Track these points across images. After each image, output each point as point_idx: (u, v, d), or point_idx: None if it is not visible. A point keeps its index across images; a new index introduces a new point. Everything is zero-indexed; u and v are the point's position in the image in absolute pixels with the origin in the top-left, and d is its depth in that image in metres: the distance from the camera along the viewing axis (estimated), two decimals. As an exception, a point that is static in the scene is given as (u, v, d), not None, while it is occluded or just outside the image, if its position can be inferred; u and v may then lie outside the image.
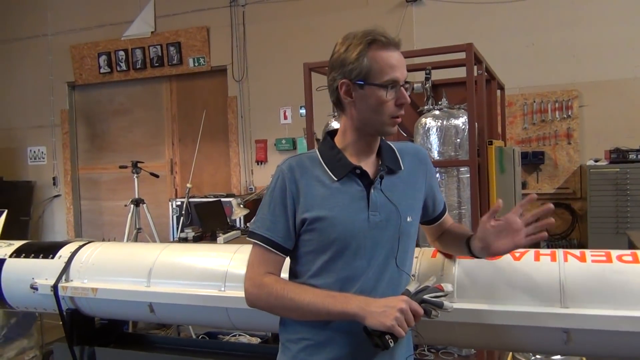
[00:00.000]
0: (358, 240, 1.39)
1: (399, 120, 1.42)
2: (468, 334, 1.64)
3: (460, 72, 3.41)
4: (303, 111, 6.52)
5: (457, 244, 1.59)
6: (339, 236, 1.39)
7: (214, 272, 1.96)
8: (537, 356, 2.55)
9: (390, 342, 1.26)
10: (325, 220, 1.39)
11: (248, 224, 5.16)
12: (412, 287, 1.36)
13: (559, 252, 1.62)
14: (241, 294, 1.84)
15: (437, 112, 3.22)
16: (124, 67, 7.11)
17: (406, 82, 1.42)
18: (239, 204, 5.28)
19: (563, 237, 5.72)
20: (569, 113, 5.64)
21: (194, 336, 4.14)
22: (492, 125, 3.88)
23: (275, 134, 6.64)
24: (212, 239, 4.49)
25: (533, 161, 5.68)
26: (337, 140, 1.49)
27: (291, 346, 1.46)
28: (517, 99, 5.72)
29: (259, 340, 4.17)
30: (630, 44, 5.39)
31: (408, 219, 1.47)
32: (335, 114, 3.56)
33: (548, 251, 1.64)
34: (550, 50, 5.63)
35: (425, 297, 1.34)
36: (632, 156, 5.12)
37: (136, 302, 2.04)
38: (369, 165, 1.46)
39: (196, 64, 6.85)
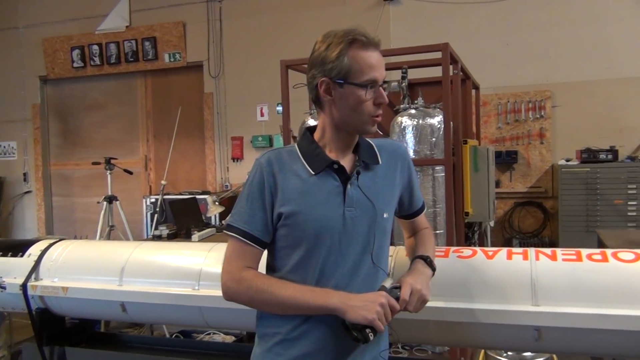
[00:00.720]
0: (333, 235, 1.40)
1: (379, 119, 1.43)
2: (442, 332, 1.65)
3: (436, 72, 3.43)
4: (280, 108, 6.51)
5: (410, 259, 1.59)
6: (314, 231, 1.39)
7: (188, 270, 1.94)
8: (509, 353, 2.58)
9: (370, 335, 1.28)
10: (300, 215, 1.39)
11: (223, 222, 5.12)
12: (388, 284, 1.38)
13: (531, 251, 1.64)
14: (216, 292, 1.85)
15: (413, 111, 3.24)
16: (97, 62, 6.99)
17: (385, 82, 1.42)
18: (214, 201, 5.23)
19: (535, 235, 5.82)
20: (542, 113, 5.73)
21: (167, 335, 4.11)
22: (467, 125, 3.92)
23: (251, 131, 6.61)
24: (187, 236, 4.45)
25: (507, 160, 5.76)
26: (316, 136, 1.50)
27: (267, 339, 1.47)
28: (492, 99, 5.79)
29: (233, 339, 4.15)
30: (601, 45, 5.50)
31: (384, 215, 1.48)
32: (312, 111, 3.56)
33: (520, 250, 1.66)
34: (524, 51, 5.71)
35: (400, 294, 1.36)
36: (602, 156, 5.23)
37: (108, 301, 2.01)
38: (346, 160, 1.47)
39: (172, 60, 6.77)
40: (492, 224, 4.32)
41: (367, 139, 1.55)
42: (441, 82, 3.25)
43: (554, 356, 2.64)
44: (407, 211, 1.64)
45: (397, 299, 1.35)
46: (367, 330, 1.28)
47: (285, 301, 1.36)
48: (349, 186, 1.42)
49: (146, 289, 1.94)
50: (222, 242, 2.02)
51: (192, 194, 5.78)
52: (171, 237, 4.45)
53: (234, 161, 6.73)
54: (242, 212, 1.43)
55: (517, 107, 5.78)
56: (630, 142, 5.48)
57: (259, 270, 1.46)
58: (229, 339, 4.14)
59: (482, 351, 2.72)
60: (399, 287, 1.38)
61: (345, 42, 1.37)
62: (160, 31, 6.74)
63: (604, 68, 5.52)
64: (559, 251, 1.62)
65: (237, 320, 1.92)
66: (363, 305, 1.30)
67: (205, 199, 5.25)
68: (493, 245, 5.19)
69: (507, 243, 5.85)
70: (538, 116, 5.74)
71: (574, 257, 1.58)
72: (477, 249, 1.70)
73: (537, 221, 5.85)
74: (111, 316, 2.20)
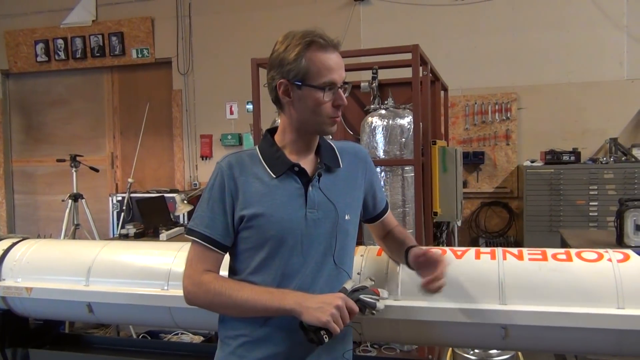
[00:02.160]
0: (295, 237, 1.41)
1: (338, 120, 1.44)
2: (411, 331, 1.67)
3: (405, 73, 3.47)
4: (250, 106, 6.49)
5: (398, 252, 1.62)
6: (276, 233, 1.40)
7: (157, 270, 1.91)
8: (476, 350, 2.63)
9: (325, 337, 1.28)
10: (262, 217, 1.40)
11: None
12: (349, 286, 1.38)
13: (498, 251, 1.67)
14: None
15: (383, 112, 3.26)
16: (62, 56, 6.83)
17: (345, 83, 1.42)
18: (182, 200, 5.18)
19: (500, 235, 5.93)
20: (508, 115, 5.84)
21: (134, 335, 4.04)
22: (436, 126, 3.98)
23: (221, 129, 6.56)
24: (155, 235, 4.39)
25: (473, 161, 5.85)
26: (277, 138, 1.50)
27: (230, 342, 1.47)
28: (459, 100, 5.87)
29: (202, 339, 4.11)
30: (565, 50, 5.64)
31: (346, 217, 1.48)
32: (283, 110, 3.55)
33: (488, 250, 1.70)
34: (491, 54, 5.82)
35: (361, 296, 1.36)
36: (566, 158, 5.37)
37: (74, 301, 1.97)
38: (307, 163, 1.48)
39: (139, 56, 6.67)
40: (459, 223, 4.39)
41: (329, 141, 1.56)
42: (411, 83, 3.29)
43: (519, 354, 2.69)
44: (372, 213, 1.65)
45: (357, 301, 1.34)
46: (322, 332, 1.27)
47: (242, 304, 1.36)
48: (310, 188, 1.43)
49: (114, 289, 1.91)
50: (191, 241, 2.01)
51: (160, 193, 5.71)
52: (139, 236, 4.38)
53: (202, 159, 6.66)
54: (203, 216, 1.44)
55: (484, 109, 5.88)
56: (592, 145, 5.64)
57: (222, 273, 1.46)
58: (198, 339, 4.09)
59: (450, 349, 2.76)
60: (360, 289, 1.38)
61: (303, 44, 1.37)
62: (127, 26, 6.63)
63: (568, 72, 5.66)
64: (525, 251, 1.66)
65: (207, 321, 1.89)
66: (318, 307, 1.29)
67: (173, 198, 5.20)
68: (460, 244, 5.27)
69: (474, 242, 5.95)
70: (504, 118, 5.86)
71: (539, 256, 1.62)
72: (447, 248, 1.72)
73: (502, 221, 5.97)
74: (77, 317, 2.15)
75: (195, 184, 6.62)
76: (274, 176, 1.43)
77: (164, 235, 4.32)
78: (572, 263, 1.58)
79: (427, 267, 1.46)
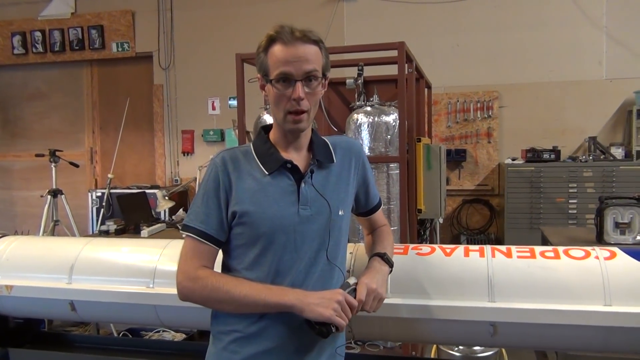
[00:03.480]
0: (287, 233, 1.40)
1: (299, 117, 1.39)
2: (401, 329, 1.67)
3: (389, 70, 3.47)
4: (232, 102, 6.44)
5: (368, 255, 1.61)
6: (268, 230, 1.40)
7: (142, 268, 1.88)
8: (460, 347, 2.65)
9: (333, 328, 1.31)
10: (254, 214, 1.40)
11: (174, 217, 5.02)
12: (351, 281, 1.40)
13: (487, 248, 1.68)
14: (171, 290, 1.80)
15: (368, 109, 3.26)
16: (40, 49, 6.70)
17: (312, 77, 1.39)
18: (164, 196, 5.12)
19: (482, 232, 5.99)
20: (490, 113, 5.89)
21: (115, 333, 3.98)
22: (420, 123, 3.99)
23: (202, 124, 6.51)
24: (136, 232, 4.33)
25: (455, 158, 5.89)
26: (271, 134, 1.51)
27: (222, 337, 1.46)
28: (442, 98, 5.90)
29: (184, 336, 4.08)
30: (547, 49, 5.70)
31: (339, 213, 1.48)
32: (267, 106, 3.52)
33: (476, 247, 1.70)
34: (474, 52, 5.86)
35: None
36: (546, 156, 5.43)
37: (56, 300, 1.92)
38: (300, 159, 1.47)
39: (120, 49, 6.57)
40: (441, 220, 4.42)
41: (322, 137, 1.56)
42: (395, 80, 3.29)
43: (503, 350, 2.72)
44: (364, 208, 1.65)
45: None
46: (331, 326, 1.30)
47: (240, 299, 1.36)
48: (302, 185, 1.43)
49: (97, 287, 1.87)
50: (174, 238, 1.99)
51: (141, 188, 5.64)
52: (119, 233, 4.31)
53: (184, 155, 6.60)
54: (198, 212, 1.44)
55: (467, 107, 5.93)
56: (571, 143, 5.72)
57: (215, 269, 1.45)
58: (180, 336, 4.05)
59: (435, 346, 2.77)
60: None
61: (267, 38, 1.40)
62: (107, 19, 6.52)
63: (549, 71, 5.73)
64: (513, 248, 1.67)
65: (193, 319, 1.88)
66: (320, 303, 1.32)
67: (154, 194, 5.13)
68: (442, 241, 5.30)
69: (455, 239, 6.00)
70: (486, 116, 5.91)
71: (528, 254, 1.63)
72: (436, 246, 1.73)
73: (483, 218, 6.02)
74: (59, 315, 2.11)
75: (177, 179, 6.56)
76: (267, 173, 1.43)
77: (145, 231, 4.26)
78: (560, 261, 1.60)
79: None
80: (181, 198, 5.83)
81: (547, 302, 1.53)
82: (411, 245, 1.74)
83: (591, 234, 3.56)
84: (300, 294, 1.34)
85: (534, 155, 5.46)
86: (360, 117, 3.25)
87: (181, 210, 5.24)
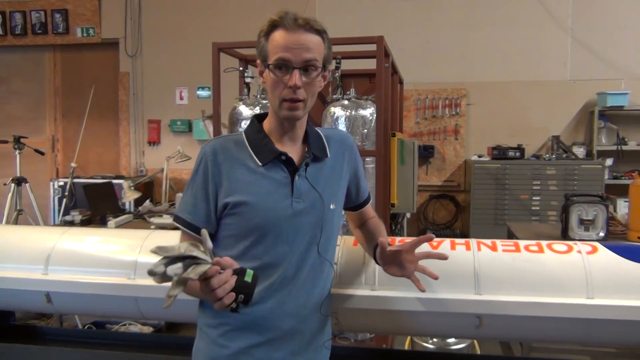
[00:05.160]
0: (280, 226, 1.39)
1: (294, 105, 1.36)
2: (387, 321, 1.68)
3: (362, 64, 3.47)
4: (201, 92, 6.35)
5: (367, 246, 1.62)
6: (261, 222, 1.38)
7: (123, 258, 1.83)
8: (434, 339, 2.69)
9: (234, 304, 1.18)
10: (247, 205, 1.37)
11: (140, 208, 4.92)
12: (182, 248, 1.17)
13: (473, 242, 1.70)
14: (152, 282, 1.76)
15: (345, 102, 3.26)
16: (0, 32, 6.43)
17: (311, 67, 1.36)
18: (130, 187, 5.01)
19: (447, 227, 6.09)
20: (458, 110, 5.99)
21: (80, 326, 3.88)
22: (394, 118, 4.01)
23: (170, 114, 6.39)
24: (102, 223, 4.23)
25: (424, 154, 5.97)
26: (265, 124, 1.48)
27: (210, 331, 1.44)
28: (412, 94, 5.96)
29: (151, 329, 4.01)
30: (514, 49, 5.83)
31: (331, 207, 1.47)
32: (243, 97, 3.48)
33: (462, 241, 1.73)
34: (443, 50, 5.93)
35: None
36: (511, 153, 5.56)
37: (30, 291, 1.86)
38: (294, 151, 1.45)
39: (85, 35, 6.37)
40: (408, 215, 4.48)
41: (317, 129, 1.54)
42: (368, 74, 3.30)
43: (475, 342, 2.77)
44: (355, 202, 1.64)
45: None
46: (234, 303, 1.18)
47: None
48: (296, 177, 1.41)
49: (75, 278, 1.81)
50: (142, 229, 1.94)
51: (105, 178, 5.50)
52: (85, 224, 4.20)
53: (150, 145, 6.47)
54: (187, 203, 1.43)
55: (435, 104, 6.00)
56: (535, 142, 5.87)
57: None
58: (147, 329, 3.98)
59: (408, 338, 2.81)
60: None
61: (268, 24, 1.38)
62: (72, 3, 6.31)
63: (515, 70, 5.86)
64: (498, 242, 1.70)
65: (176, 311, 1.84)
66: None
67: (120, 184, 5.02)
68: (409, 235, 5.37)
69: (422, 234, 6.00)
70: (454, 113, 6.00)
71: (512, 248, 1.67)
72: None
73: (449, 213, 6.12)
74: (33, 307, 2.04)
75: (142, 170, 6.42)
76: (260, 164, 1.40)
77: (112, 222, 4.16)
78: (544, 254, 1.63)
79: (392, 262, 1.46)
80: (147, 189, 5.71)
81: (531, 295, 1.57)
82: (397, 239, 1.75)
83: (555, 230, 3.66)
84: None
85: (499, 153, 5.58)
86: (337, 111, 3.24)
87: (148, 201, 5.14)
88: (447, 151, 6.04)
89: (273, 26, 1.37)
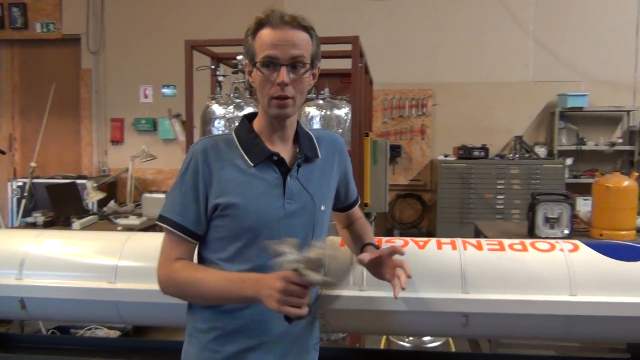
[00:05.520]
0: (272, 228, 1.36)
1: (283, 102, 1.35)
2: (376, 321, 1.68)
3: (333, 63, 3.46)
4: (166, 91, 6.24)
5: (355, 247, 1.62)
6: (253, 223, 1.35)
7: (103, 262, 1.77)
8: (410, 338, 2.72)
9: (306, 314, 1.19)
10: (239, 207, 1.35)
11: (105, 209, 4.79)
12: (291, 257, 1.20)
13: (458, 241, 1.72)
14: (134, 286, 1.73)
15: (320, 102, 3.25)
16: (-47, 25, 6.17)
17: (299, 64, 1.34)
18: (94, 187, 4.88)
19: (414, 226, 6.17)
20: (424, 111, 6.07)
21: (44, 331, 3.75)
22: (366, 118, 4.04)
23: (133, 113, 6.26)
24: (66, 224, 4.11)
25: (391, 154, 5.99)
26: (255, 123, 1.45)
27: (200, 336, 1.40)
28: (379, 94, 6.00)
29: (119, 333, 3.91)
30: (478, 51, 5.95)
31: (322, 208, 1.46)
32: (216, 95, 3.42)
33: (448, 240, 1.74)
34: (410, 51, 6.00)
35: (302, 270, 1.18)
36: (476, 153, 5.67)
37: (4, 297, 1.78)
38: (286, 151, 1.43)
39: (44, 30, 6.17)
40: (375, 214, 4.51)
41: (307, 130, 1.53)
42: (340, 74, 3.30)
43: (450, 339, 2.82)
44: (343, 203, 1.64)
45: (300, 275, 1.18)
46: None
47: (207, 293, 1.32)
48: (288, 178, 1.40)
49: (53, 282, 1.75)
50: (108, 230, 1.87)
51: (66, 178, 5.34)
52: (48, 225, 4.07)
53: (113, 144, 6.33)
54: (175, 203, 1.38)
55: (402, 104, 6.07)
56: (498, 142, 6.01)
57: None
58: (114, 333, 3.88)
59: (384, 337, 2.83)
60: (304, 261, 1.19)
61: (255, 22, 1.36)
62: (31, -3, 6.11)
63: (479, 72, 5.98)
64: (483, 242, 1.73)
65: (155, 316, 1.80)
66: (268, 294, 1.21)
67: (84, 184, 4.89)
68: (376, 235, 5.40)
69: (389, 233, 6.13)
70: (420, 113, 6.08)
71: (497, 247, 1.69)
72: (408, 239, 1.75)
73: (415, 212, 6.20)
74: (5, 314, 1.95)
75: (104, 170, 6.27)
76: (252, 164, 1.37)
77: (77, 224, 4.05)
78: (528, 253, 1.67)
79: (377, 266, 1.45)
80: (111, 189, 5.57)
81: (516, 293, 1.60)
82: (384, 239, 1.76)
83: (521, 228, 3.76)
84: (255, 284, 1.25)
85: (465, 153, 5.69)
86: (312, 110, 3.23)
87: (112, 202, 5.02)
88: (414, 151, 6.12)
89: (260, 25, 1.35)
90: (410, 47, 6.00)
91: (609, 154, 5.79)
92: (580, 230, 3.53)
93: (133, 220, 4.31)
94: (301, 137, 1.47)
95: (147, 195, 4.75)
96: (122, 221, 4.29)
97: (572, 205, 3.47)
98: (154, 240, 1.88)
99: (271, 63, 1.33)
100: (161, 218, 1.38)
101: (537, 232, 3.43)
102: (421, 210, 6.19)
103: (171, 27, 5.88)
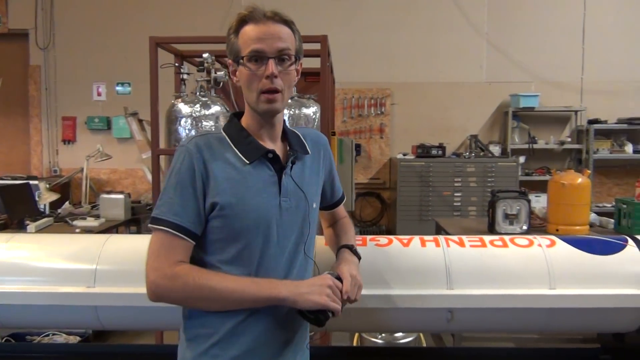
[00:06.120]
0: (271, 226, 1.36)
1: (272, 96, 1.35)
2: (363, 319, 1.69)
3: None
4: (120, 88, 6.08)
5: (332, 246, 1.63)
6: (252, 222, 1.33)
7: (80, 266, 1.71)
8: (382, 335, 2.75)
9: (330, 314, 1.31)
10: (237, 206, 1.32)
11: (60, 210, 4.62)
12: (334, 273, 1.40)
13: (441, 239, 1.76)
14: (114, 289, 1.67)
15: (289, 101, 3.23)
16: None
17: (285, 56, 1.35)
18: (47, 188, 4.70)
19: (374, 224, 6.24)
20: (382, 110, 6.15)
21: (-2, 340, 3.58)
22: (332, 117, 4.05)
23: (86, 111, 6.07)
24: (20, 227, 3.94)
25: (351, 153, 6.07)
26: (243, 122, 1.44)
27: (200, 341, 1.36)
28: (338, 93, 6.05)
29: (78, 339, 3.79)
30: (434, 52, 6.08)
31: (314, 206, 1.47)
32: (181, 94, 3.35)
33: (431, 237, 1.77)
34: (369, 50, 6.07)
35: None
36: (434, 152, 5.80)
37: (-29, 305, 1.69)
38: (277, 149, 1.42)
39: (-11, 24, 5.89)
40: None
41: (292, 128, 1.53)
42: (305, 73, 3.27)
43: (421, 335, 2.87)
44: (330, 201, 1.64)
45: (339, 280, 1.37)
46: (328, 313, 1.30)
47: (227, 296, 1.28)
48: (283, 176, 1.39)
49: (26, 288, 1.67)
50: (68, 232, 1.80)
51: (15, 179, 5.12)
52: (0, 229, 3.88)
53: (64, 143, 6.11)
54: (172, 203, 1.32)
55: (361, 103, 6.13)
56: (455, 140, 6.16)
57: None
58: (74, 339, 3.76)
59: (357, 334, 2.85)
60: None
61: (238, 20, 1.37)
62: (-27, -11, 5.81)
63: (436, 72, 6.11)
64: (465, 238, 1.77)
65: (137, 320, 1.75)
66: (311, 290, 1.30)
67: (37, 185, 4.70)
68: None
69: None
70: (379, 112, 6.16)
71: (479, 243, 1.73)
72: (392, 237, 1.77)
73: (375, 210, 6.28)
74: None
75: (56, 170, 6.04)
76: (247, 162, 1.36)
77: (32, 227, 3.89)
78: (508, 249, 1.72)
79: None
80: (64, 190, 5.37)
81: (499, 288, 1.64)
82: (369, 237, 1.77)
83: (481, 224, 3.87)
84: (290, 285, 1.31)
85: (423, 151, 5.81)
86: (281, 109, 3.22)
87: (67, 203, 4.84)
88: (373, 149, 6.19)
89: (242, 22, 1.35)
90: (369, 47, 6.07)
91: (558, 153, 6.04)
92: (536, 226, 3.65)
93: (91, 222, 4.18)
94: (289, 135, 1.47)
95: (105, 196, 4.61)
96: (79, 223, 4.14)
97: (530, 202, 3.59)
98: (133, 243, 1.84)
99: (258, 57, 1.33)
100: (156, 220, 1.32)
101: (497, 228, 3.52)
102: (381, 208, 6.27)
103: (125, 23, 5.73)
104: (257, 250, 1.34)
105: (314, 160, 1.51)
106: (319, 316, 1.29)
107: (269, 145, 1.41)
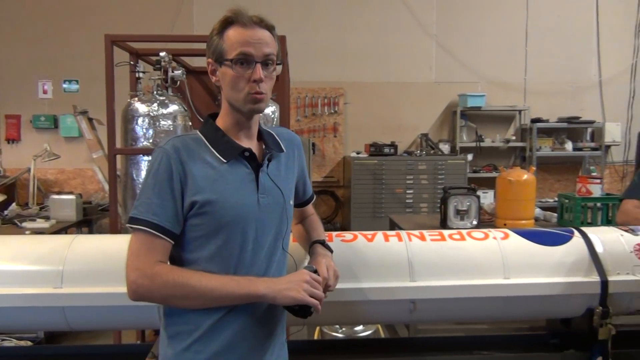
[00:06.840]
0: (250, 223, 1.39)
1: (259, 97, 1.39)
2: (332, 312, 1.74)
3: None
4: (67, 86, 5.92)
5: (303, 242, 1.69)
6: (232, 219, 1.37)
7: (46, 267, 1.69)
8: (343, 328, 2.82)
9: (312, 310, 1.35)
10: (216, 203, 1.35)
11: (7, 212, 4.47)
12: (307, 264, 1.45)
13: (403, 234, 1.84)
14: (81, 290, 1.67)
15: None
16: None
17: (270, 61, 1.40)
18: (-7, 189, 4.54)
19: (328, 222, 6.32)
20: (336, 109, 6.24)
21: (-56, 346, 3.45)
22: (287, 116, 4.09)
23: (31, 109, 5.87)
24: (-34, 230, 3.79)
25: (305, 151, 6.12)
26: (219, 122, 1.46)
27: (182, 338, 1.39)
28: (292, 92, 6.08)
29: (29, 343, 3.68)
30: (386, 52, 6.21)
31: (290, 202, 1.52)
32: (137, 92, 3.32)
33: (393, 233, 1.85)
34: (321, 50, 6.14)
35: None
36: (387, 150, 5.93)
37: None
38: (253, 148, 1.46)
39: None
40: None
41: (266, 128, 1.57)
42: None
43: (379, 327, 2.95)
44: (301, 199, 1.69)
45: (316, 273, 1.42)
46: (310, 308, 1.34)
47: (207, 294, 1.31)
48: (260, 173, 1.43)
49: (-10, 291, 1.64)
50: (17, 234, 1.77)
51: (-42, 181, 4.92)
52: (-55, 232, 3.74)
53: (8, 143, 5.89)
54: (150, 203, 1.34)
55: (315, 102, 6.20)
56: (406, 139, 6.32)
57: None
58: (25, 343, 3.65)
59: (317, 328, 2.91)
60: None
61: (222, 21, 1.39)
62: None
63: (387, 72, 6.25)
64: (426, 233, 1.85)
65: (105, 321, 1.75)
66: (289, 287, 1.33)
67: (-19, 187, 4.53)
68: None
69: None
70: (332, 111, 6.24)
71: (438, 237, 1.83)
72: (357, 233, 1.84)
73: (329, 208, 6.36)
74: None
75: (-1, 170, 5.82)
76: (225, 161, 1.39)
77: (-21, 229, 3.76)
78: (466, 242, 1.82)
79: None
80: (9, 191, 5.19)
81: (458, 278, 1.74)
82: (334, 233, 1.83)
83: (433, 220, 3.99)
84: (268, 282, 1.35)
85: (376, 150, 5.92)
86: (239, 108, 3.24)
87: (14, 204, 4.69)
88: (327, 148, 6.27)
89: (227, 23, 1.38)
90: (322, 47, 6.14)
91: (504, 150, 6.29)
92: (485, 221, 3.80)
93: (41, 224, 4.06)
94: (264, 134, 1.51)
95: (55, 197, 4.49)
96: (29, 225, 4.03)
97: (479, 198, 3.74)
98: (101, 242, 1.84)
99: (245, 60, 1.36)
100: (135, 220, 1.34)
101: (449, 224, 3.65)
102: (335, 206, 6.35)
103: (71, 18, 5.58)
104: (237, 246, 1.37)
105: (289, 158, 1.55)
106: (303, 308, 1.34)
107: (245, 144, 1.44)
